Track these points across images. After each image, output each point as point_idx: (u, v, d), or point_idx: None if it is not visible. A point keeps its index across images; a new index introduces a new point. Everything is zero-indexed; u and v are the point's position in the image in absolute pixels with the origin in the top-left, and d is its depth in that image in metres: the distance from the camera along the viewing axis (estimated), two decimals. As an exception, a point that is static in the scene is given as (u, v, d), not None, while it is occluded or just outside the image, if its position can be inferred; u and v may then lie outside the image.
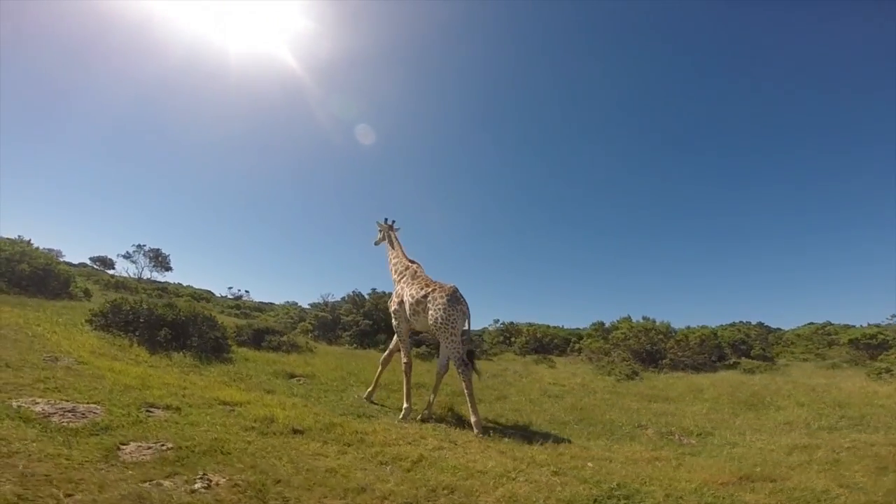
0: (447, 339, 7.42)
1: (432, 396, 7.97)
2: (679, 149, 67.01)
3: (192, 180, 79.00)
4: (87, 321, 9.63)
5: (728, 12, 55.76)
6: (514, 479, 4.72)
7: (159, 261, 30.32)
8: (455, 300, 7.50)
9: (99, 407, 4.73)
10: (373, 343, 19.19)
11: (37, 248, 14.83)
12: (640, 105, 68.70)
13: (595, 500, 4.44)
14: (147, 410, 5.04)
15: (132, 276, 29.31)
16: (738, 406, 10.00)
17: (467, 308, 7.68)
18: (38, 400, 4.54)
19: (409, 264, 8.77)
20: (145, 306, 9.44)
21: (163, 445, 3.97)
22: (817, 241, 59.14)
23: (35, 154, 67.20)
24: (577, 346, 19.24)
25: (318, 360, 12.34)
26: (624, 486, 4.82)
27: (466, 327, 7.74)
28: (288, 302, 41.72)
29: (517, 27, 61.95)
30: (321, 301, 22.06)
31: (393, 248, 9.30)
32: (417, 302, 7.82)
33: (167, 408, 5.29)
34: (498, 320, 27.41)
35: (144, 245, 31.32)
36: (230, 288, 38.84)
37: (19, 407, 4.22)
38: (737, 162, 64.84)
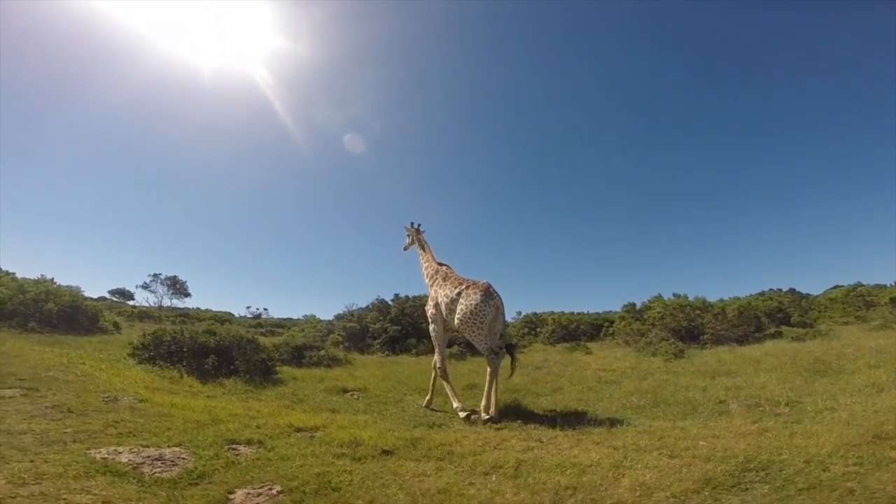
0: (475, 331, 7.21)
1: (493, 397, 7.46)
2: (685, 132, 65.55)
3: (197, 204, 78.23)
4: (129, 355, 9.20)
5: (720, 8, 54.67)
6: (631, 468, 4.39)
7: (177, 288, 29.90)
8: (488, 295, 7.35)
9: (183, 450, 4.28)
10: (404, 348, 18.76)
11: (60, 286, 14.42)
12: (643, 93, 67.06)
13: (732, 476, 4.11)
14: (231, 448, 4.61)
15: (153, 305, 28.96)
16: (807, 373, 9.50)
17: (501, 303, 7.53)
18: (119, 448, 4.10)
19: (439, 267, 8.65)
20: (187, 335, 9.00)
21: (271, 489, 3.53)
22: (835, 204, 57.55)
23: (38, 192, 66.45)
24: (610, 330, 18.75)
25: (362, 371, 11.92)
26: (753, 458, 4.46)
27: (501, 322, 7.57)
28: (306, 316, 41.39)
29: (505, 27, 60.89)
30: (346, 311, 21.64)
31: (424, 252, 9.13)
32: (452, 300, 7.69)
33: (249, 443, 4.86)
34: (520, 312, 26.99)
35: (161, 273, 31.04)
36: (248, 307, 38.49)
37: (105, 459, 3.77)
38: (743, 142, 63.32)
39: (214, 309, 32.80)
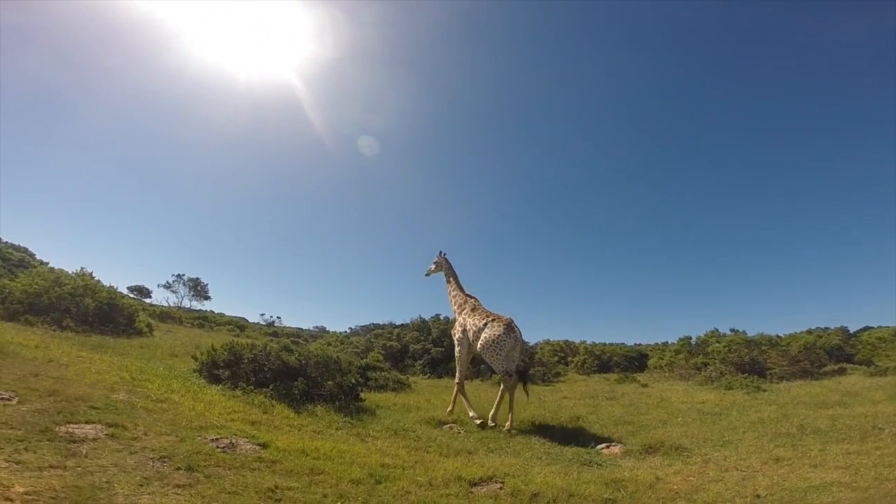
0: (493, 357, 7.85)
1: (500, 408, 7.77)
2: (701, 157, 61.45)
3: (215, 205, 73.89)
4: (196, 371, 7.43)
5: (742, 18, 52.22)
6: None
7: (198, 290, 27.73)
8: (510, 329, 7.96)
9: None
10: (446, 371, 17.00)
11: (98, 282, 12.47)
12: (650, 111, 63.72)
13: None
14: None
15: (172, 305, 26.72)
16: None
17: (520, 336, 8.15)
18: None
19: (468, 298, 9.09)
20: (272, 353, 7.28)
21: None
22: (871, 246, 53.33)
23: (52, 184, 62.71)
24: (661, 362, 17.34)
25: (437, 399, 10.22)
26: None
27: (519, 351, 8.14)
28: (317, 327, 39.14)
29: (522, 29, 58.10)
30: (375, 326, 19.84)
31: (450, 280, 9.47)
32: (479, 329, 8.22)
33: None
34: (548, 340, 25.39)
35: (184, 274, 28.94)
36: (262, 314, 36.11)
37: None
38: (753, 170, 59.89)
39: (228, 314, 30.50)
